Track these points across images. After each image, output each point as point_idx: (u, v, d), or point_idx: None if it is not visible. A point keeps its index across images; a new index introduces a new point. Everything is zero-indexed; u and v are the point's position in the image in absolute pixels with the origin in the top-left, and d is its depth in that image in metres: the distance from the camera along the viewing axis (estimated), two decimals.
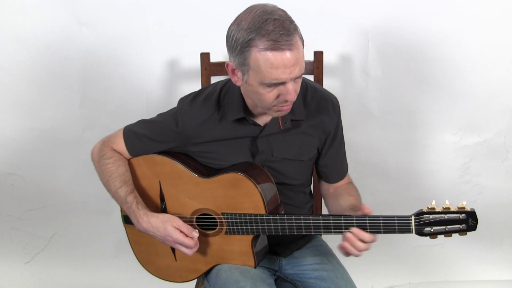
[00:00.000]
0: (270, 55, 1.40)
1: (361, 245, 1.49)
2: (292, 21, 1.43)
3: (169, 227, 1.60)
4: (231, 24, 1.47)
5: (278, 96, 1.48)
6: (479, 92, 2.30)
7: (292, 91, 1.46)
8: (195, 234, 1.61)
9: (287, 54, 1.40)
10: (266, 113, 1.60)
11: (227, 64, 1.53)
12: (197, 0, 2.20)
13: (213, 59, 2.03)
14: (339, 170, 1.78)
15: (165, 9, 2.22)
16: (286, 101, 1.48)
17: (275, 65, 1.41)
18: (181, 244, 1.61)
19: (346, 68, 2.30)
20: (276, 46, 1.39)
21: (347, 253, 1.52)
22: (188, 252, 1.62)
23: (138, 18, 2.23)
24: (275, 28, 1.39)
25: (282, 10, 1.45)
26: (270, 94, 1.47)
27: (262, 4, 1.46)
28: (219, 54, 1.98)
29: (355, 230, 1.49)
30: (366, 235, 1.48)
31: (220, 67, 2.02)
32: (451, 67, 2.27)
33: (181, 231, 1.61)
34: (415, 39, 2.24)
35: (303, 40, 1.46)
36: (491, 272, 2.57)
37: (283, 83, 1.45)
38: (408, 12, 2.21)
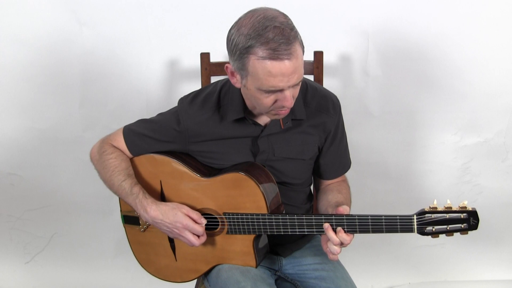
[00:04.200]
0: (268, 63, 1.40)
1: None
2: (292, 28, 1.42)
3: (178, 213, 1.60)
4: (232, 27, 1.46)
5: (275, 102, 1.48)
6: (479, 92, 2.30)
7: (289, 98, 1.47)
8: (204, 220, 1.61)
9: (286, 63, 1.40)
10: None
11: (227, 67, 1.53)
12: (197, 0, 2.21)
13: (213, 59, 2.03)
14: (336, 168, 1.78)
15: (165, 9, 2.22)
16: (283, 106, 1.49)
17: (273, 73, 1.41)
18: (190, 230, 1.60)
19: (346, 68, 2.30)
20: (275, 55, 1.39)
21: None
22: (195, 242, 1.60)
23: (138, 18, 2.22)
24: (275, 36, 1.38)
25: (284, 16, 1.44)
26: (267, 100, 1.48)
27: (264, 8, 1.45)
28: (219, 54, 1.98)
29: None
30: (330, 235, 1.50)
31: (220, 67, 2.02)
32: (451, 67, 2.27)
33: (190, 217, 1.60)
34: (415, 39, 2.24)
35: (303, 46, 1.46)
36: (491, 272, 2.57)
37: (280, 90, 1.45)
38: (408, 12, 2.21)
